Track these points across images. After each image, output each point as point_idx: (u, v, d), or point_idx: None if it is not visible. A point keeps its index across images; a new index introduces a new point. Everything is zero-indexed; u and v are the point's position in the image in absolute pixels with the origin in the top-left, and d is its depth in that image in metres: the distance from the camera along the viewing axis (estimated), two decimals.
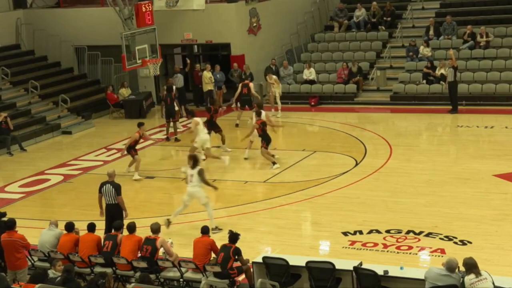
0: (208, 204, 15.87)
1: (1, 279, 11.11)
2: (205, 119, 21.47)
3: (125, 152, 20.22)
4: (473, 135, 22.64)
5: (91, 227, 13.67)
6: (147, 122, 26.02)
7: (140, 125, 20.21)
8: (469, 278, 10.30)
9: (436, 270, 10.79)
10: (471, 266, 10.36)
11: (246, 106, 24.97)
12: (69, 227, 13.74)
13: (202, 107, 28.09)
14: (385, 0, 29.93)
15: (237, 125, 24.62)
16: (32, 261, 13.72)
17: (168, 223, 15.74)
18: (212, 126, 21.68)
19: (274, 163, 20.07)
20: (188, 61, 28.47)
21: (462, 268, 10.92)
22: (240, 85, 25.06)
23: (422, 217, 15.81)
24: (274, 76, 26.81)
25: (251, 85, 25.09)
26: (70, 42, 29.94)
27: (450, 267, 10.68)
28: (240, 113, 24.75)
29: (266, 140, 20.06)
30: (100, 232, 14.06)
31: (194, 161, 15.77)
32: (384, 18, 29.74)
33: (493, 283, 10.37)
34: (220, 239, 13.07)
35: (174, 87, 25.53)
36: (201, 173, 15.62)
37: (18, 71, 28.79)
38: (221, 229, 15.51)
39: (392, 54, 28.47)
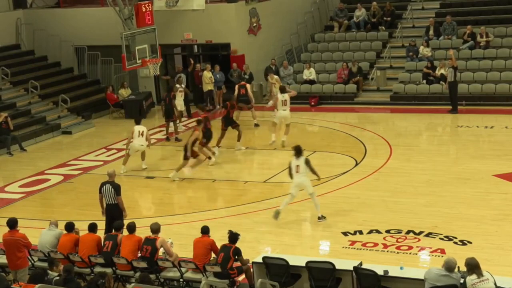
0: (314, 194, 16.07)
1: (1, 279, 11.11)
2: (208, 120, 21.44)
3: (188, 154, 19.48)
4: (473, 135, 22.63)
5: (92, 227, 13.67)
6: (147, 122, 26.05)
7: (199, 122, 20.03)
8: (471, 279, 10.28)
9: (435, 271, 10.77)
10: (473, 267, 10.34)
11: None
12: (69, 227, 13.74)
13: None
14: (385, 0, 29.94)
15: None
16: (32, 261, 13.72)
17: (277, 214, 15.99)
18: (228, 122, 21.81)
19: (210, 158, 20.56)
20: (192, 61, 28.40)
21: (462, 268, 10.93)
22: (237, 86, 25.04)
23: (422, 217, 15.81)
24: (276, 76, 26.81)
25: (248, 86, 25.07)
26: (70, 42, 29.94)
27: (449, 267, 10.67)
28: (238, 113, 24.68)
29: (207, 136, 20.40)
30: (100, 232, 14.06)
31: (298, 151, 15.95)
32: (384, 18, 29.75)
33: (495, 284, 10.35)
34: (220, 239, 13.06)
35: (183, 85, 25.57)
36: (308, 162, 15.87)
37: (18, 71, 28.79)
38: (325, 217, 15.93)
39: (392, 54, 28.47)
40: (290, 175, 15.99)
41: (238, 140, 21.92)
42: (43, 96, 27.76)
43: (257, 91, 28.24)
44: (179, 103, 25.05)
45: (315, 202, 16.06)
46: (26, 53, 30.44)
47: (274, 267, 12.26)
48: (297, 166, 15.82)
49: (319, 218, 15.96)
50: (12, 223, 13.24)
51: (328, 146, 22.03)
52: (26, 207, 18.67)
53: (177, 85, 25.31)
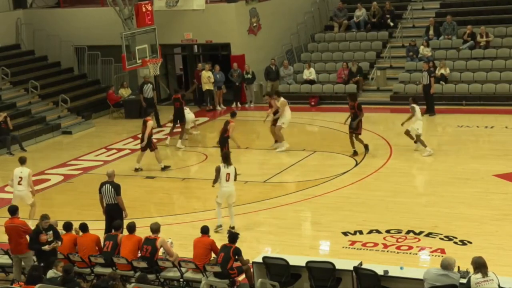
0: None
1: None
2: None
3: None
4: (473, 135, 22.63)
5: (84, 227, 13.64)
6: None
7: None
8: (476, 277, 10.25)
9: (434, 271, 10.77)
10: (480, 265, 10.32)
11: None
12: (67, 226, 13.75)
13: (203, 107, 28.15)
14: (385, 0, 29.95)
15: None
16: (33, 261, 13.71)
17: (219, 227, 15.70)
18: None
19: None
20: (196, 82, 28.01)
21: (462, 268, 10.94)
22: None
23: (422, 217, 15.81)
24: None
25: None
26: (70, 42, 29.95)
27: (445, 264, 10.63)
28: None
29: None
30: (100, 232, 14.07)
31: (227, 158, 15.89)
32: (387, 16, 29.64)
33: (499, 286, 10.32)
34: (220, 239, 13.06)
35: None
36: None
37: (18, 71, 28.80)
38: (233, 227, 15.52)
39: (392, 54, 28.47)
40: (215, 181, 15.62)
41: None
42: (43, 96, 27.76)
43: (257, 91, 28.28)
44: None
45: (232, 213, 15.79)
46: (26, 53, 30.45)
47: (274, 267, 12.27)
48: (228, 174, 15.48)
49: (231, 227, 15.44)
50: (13, 210, 13.63)
51: (328, 146, 22.04)
52: (26, 207, 18.63)
53: None
